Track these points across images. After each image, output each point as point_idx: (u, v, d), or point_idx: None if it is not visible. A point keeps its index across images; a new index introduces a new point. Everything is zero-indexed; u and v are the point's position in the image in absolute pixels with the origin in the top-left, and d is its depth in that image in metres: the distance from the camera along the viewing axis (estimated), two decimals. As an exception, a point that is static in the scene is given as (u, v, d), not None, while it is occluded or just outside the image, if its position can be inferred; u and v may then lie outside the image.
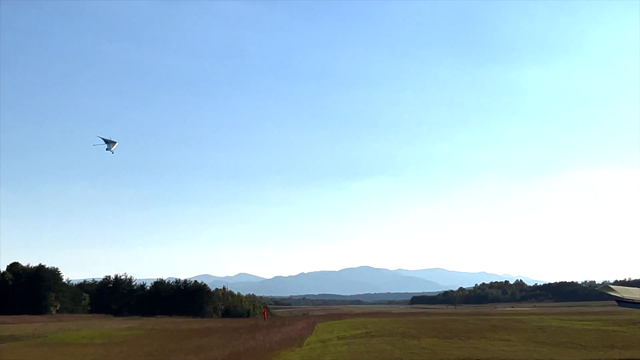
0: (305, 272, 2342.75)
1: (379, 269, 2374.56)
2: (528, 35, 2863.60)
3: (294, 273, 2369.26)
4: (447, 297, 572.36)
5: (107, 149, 78.64)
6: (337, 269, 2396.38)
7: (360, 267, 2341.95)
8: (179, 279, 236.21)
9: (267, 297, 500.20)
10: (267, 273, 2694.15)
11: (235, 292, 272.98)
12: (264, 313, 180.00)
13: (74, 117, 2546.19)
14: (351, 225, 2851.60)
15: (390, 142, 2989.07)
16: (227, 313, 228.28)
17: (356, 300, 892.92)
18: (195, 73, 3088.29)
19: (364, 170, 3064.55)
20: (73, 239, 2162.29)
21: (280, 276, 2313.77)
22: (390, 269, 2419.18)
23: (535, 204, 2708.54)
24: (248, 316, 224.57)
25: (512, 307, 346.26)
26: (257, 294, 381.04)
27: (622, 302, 36.94)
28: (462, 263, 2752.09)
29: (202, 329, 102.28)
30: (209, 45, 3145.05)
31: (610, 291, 37.63)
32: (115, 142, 79.12)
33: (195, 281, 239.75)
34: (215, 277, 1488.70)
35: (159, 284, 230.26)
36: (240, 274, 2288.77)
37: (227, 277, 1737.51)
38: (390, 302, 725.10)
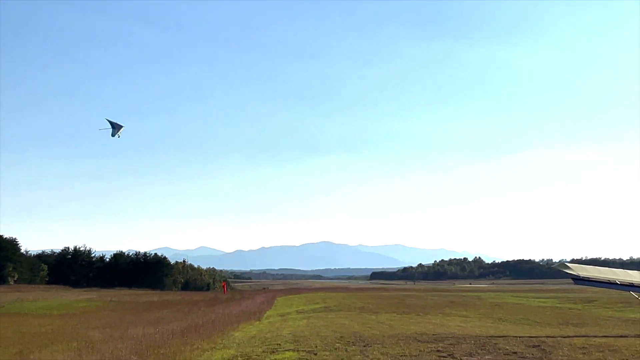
0: (266, 246, 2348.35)
1: (339, 244, 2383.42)
2: (494, 14, 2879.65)
3: (255, 247, 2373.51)
4: (406, 273, 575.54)
5: (112, 135, 75.36)
6: (297, 244, 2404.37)
7: (320, 242, 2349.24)
8: (139, 252, 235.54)
9: (227, 271, 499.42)
10: (227, 247, 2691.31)
11: (196, 266, 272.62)
12: (223, 286, 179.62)
13: (29, 85, 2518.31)
14: (312, 201, 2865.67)
15: (353, 118, 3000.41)
16: (186, 286, 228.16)
17: (316, 275, 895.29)
18: (157, 45, 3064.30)
19: (327, 146, 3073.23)
20: (32, 209, 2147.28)
21: (241, 250, 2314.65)
22: (351, 244, 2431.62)
23: (495, 182, 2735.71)
24: (208, 289, 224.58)
25: (470, 283, 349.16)
26: (217, 268, 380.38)
27: (578, 280, 37.24)
28: (421, 240, 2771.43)
29: (161, 302, 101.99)
30: (173, 17, 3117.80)
31: (566, 269, 37.89)
32: (122, 126, 75.86)
33: (155, 254, 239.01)
34: (175, 250, 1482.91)
35: (119, 256, 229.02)
36: (201, 247, 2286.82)
37: (187, 250, 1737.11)
38: (349, 278, 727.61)
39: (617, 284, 38.70)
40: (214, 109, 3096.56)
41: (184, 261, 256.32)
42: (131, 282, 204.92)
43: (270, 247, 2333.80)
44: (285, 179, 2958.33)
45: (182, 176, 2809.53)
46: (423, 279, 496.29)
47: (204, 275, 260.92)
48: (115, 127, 74.40)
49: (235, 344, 31.51)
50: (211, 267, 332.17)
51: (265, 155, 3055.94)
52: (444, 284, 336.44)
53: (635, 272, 43.75)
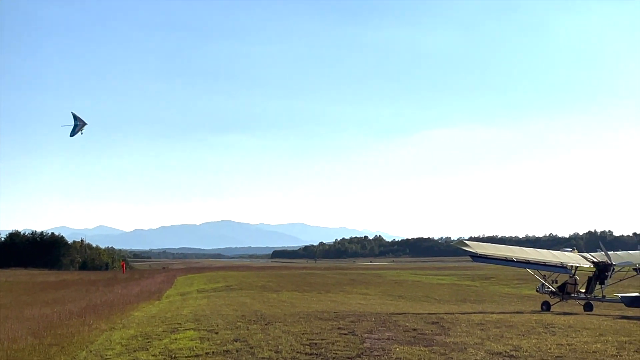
0: (166, 225, 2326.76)
1: (240, 223, 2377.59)
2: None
3: (155, 226, 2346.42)
4: (308, 252, 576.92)
5: (71, 135, 70.74)
6: (198, 223, 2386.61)
7: (221, 221, 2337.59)
8: (35, 231, 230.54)
9: (126, 250, 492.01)
10: (126, 226, 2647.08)
11: (94, 245, 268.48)
12: (122, 266, 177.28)
13: None
14: (213, 179, 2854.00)
15: (255, 97, 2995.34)
16: (84, 266, 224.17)
17: (217, 254, 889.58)
18: (58, 19, 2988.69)
19: (228, 124, 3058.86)
20: None
21: (141, 229, 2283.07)
22: (252, 223, 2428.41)
23: (394, 162, 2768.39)
24: (106, 269, 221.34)
25: (371, 261, 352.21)
26: (116, 247, 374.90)
27: (475, 257, 38.19)
28: (322, 218, 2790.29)
29: (58, 282, 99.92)
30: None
31: (464, 247, 38.76)
32: (85, 124, 71.53)
33: (52, 233, 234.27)
34: (73, 229, 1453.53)
35: (14, 236, 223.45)
36: (100, 226, 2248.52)
37: (85, 229, 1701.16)
38: (251, 256, 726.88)
39: (513, 261, 39.70)
40: (114, 86, 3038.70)
41: (81, 240, 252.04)
42: (27, 262, 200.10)
43: (170, 226, 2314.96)
44: (185, 157, 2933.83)
45: (79, 154, 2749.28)
46: (324, 257, 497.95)
47: (103, 255, 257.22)
48: (79, 124, 70.94)
49: (135, 324, 31.08)
50: (110, 246, 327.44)
51: (166, 133, 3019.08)
52: (344, 262, 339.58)
53: (531, 249, 45.05)
